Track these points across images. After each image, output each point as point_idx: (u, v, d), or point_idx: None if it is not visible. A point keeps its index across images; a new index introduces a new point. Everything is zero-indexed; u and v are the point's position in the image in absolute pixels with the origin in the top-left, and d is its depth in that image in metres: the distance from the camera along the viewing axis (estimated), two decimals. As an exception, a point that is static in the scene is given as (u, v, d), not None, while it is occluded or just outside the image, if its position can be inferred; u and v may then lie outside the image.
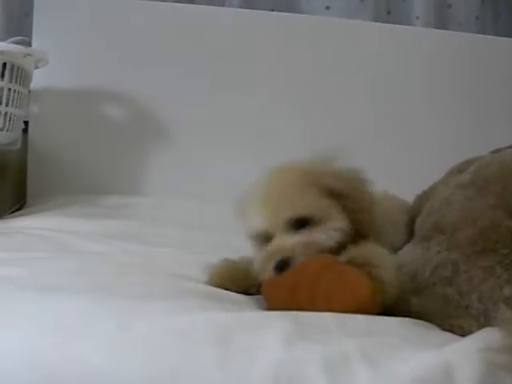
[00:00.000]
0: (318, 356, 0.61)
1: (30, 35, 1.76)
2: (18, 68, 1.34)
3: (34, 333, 0.60)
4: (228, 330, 0.63)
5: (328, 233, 0.83)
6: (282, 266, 0.80)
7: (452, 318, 0.77)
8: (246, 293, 0.87)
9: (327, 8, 1.97)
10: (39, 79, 1.66)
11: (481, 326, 0.73)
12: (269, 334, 0.64)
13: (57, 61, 1.64)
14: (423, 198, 1.01)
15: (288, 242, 0.82)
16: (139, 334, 0.60)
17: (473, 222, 0.80)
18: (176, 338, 0.60)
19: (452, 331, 0.76)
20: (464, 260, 0.77)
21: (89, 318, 0.63)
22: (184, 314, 0.66)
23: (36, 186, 1.75)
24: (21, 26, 1.89)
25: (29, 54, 1.36)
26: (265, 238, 0.85)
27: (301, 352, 0.61)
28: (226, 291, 0.85)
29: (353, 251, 0.80)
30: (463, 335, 0.72)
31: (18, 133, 1.48)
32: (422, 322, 0.77)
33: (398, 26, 1.97)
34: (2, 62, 1.31)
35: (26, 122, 1.66)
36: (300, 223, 0.83)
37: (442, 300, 0.77)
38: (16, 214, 1.50)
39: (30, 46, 1.71)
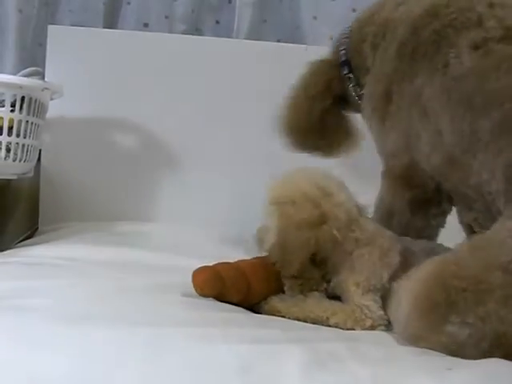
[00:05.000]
0: (334, 385, 0.64)
1: (42, 65, 1.81)
2: (36, 101, 1.39)
3: (68, 363, 0.64)
4: (249, 359, 0.67)
5: None
6: None
7: None
8: None
9: (332, 39, 2.01)
10: (51, 108, 1.70)
11: None
12: (287, 363, 0.67)
13: (69, 90, 1.68)
14: None
15: None
16: (167, 365, 0.64)
17: None
18: (201, 368, 0.64)
19: None
20: None
21: (119, 348, 0.67)
22: (206, 343, 0.70)
23: (48, 212, 1.79)
24: (34, 56, 1.93)
25: (46, 88, 1.41)
26: None
27: (318, 381, 0.65)
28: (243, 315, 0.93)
29: None
30: None
31: (34, 162, 1.52)
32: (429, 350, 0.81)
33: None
34: (21, 95, 1.35)
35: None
36: None
37: None
38: (29, 241, 1.53)
39: (43, 76, 1.76)
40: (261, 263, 1.07)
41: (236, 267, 1.04)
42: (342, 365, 0.69)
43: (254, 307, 1.02)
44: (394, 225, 1.17)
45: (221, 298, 0.99)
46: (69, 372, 0.63)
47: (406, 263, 1.03)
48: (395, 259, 1.03)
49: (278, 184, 1.09)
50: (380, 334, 0.94)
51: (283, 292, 1.05)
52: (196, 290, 0.99)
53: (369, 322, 0.97)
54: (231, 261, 1.06)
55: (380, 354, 0.77)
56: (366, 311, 0.98)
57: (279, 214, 1.03)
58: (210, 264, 1.03)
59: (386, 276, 1.02)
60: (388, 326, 0.98)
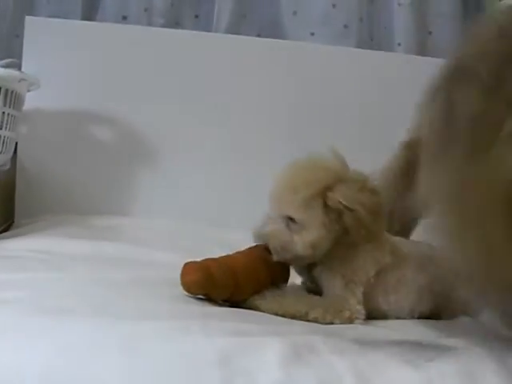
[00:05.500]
0: (313, 377, 0.65)
1: (19, 56, 1.78)
2: (12, 92, 1.37)
3: (46, 356, 0.63)
4: (228, 352, 0.66)
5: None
6: None
7: None
8: None
9: (312, 34, 2.02)
10: (28, 100, 1.68)
11: None
12: (266, 356, 0.67)
13: (46, 82, 1.66)
14: None
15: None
16: (146, 356, 0.64)
17: None
18: (180, 360, 0.64)
19: None
20: None
21: (97, 341, 0.66)
22: (186, 335, 0.70)
23: (24, 205, 1.77)
24: (10, 48, 1.91)
25: (23, 79, 1.39)
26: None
27: (297, 373, 0.65)
28: (223, 309, 0.93)
29: None
30: None
31: (10, 154, 1.50)
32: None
33: (381, 52, 2.03)
34: (-3, 86, 1.33)
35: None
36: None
37: None
38: (4, 234, 1.51)
39: (20, 67, 1.74)
40: (250, 260, 1.02)
41: (228, 266, 0.99)
42: (320, 357, 0.69)
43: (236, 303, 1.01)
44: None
45: (208, 296, 0.97)
46: (45, 365, 0.62)
47: (394, 261, 1.03)
48: (384, 256, 1.03)
49: (303, 177, 1.01)
50: (358, 328, 0.94)
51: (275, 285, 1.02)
52: (184, 288, 0.95)
53: (347, 314, 0.97)
54: (212, 256, 1.01)
55: (358, 346, 0.77)
56: (344, 303, 0.98)
57: (329, 198, 0.98)
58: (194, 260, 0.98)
59: (372, 272, 1.02)
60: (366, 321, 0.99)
